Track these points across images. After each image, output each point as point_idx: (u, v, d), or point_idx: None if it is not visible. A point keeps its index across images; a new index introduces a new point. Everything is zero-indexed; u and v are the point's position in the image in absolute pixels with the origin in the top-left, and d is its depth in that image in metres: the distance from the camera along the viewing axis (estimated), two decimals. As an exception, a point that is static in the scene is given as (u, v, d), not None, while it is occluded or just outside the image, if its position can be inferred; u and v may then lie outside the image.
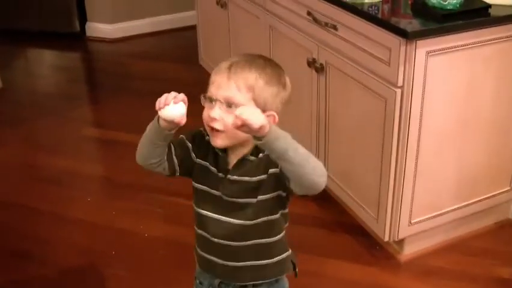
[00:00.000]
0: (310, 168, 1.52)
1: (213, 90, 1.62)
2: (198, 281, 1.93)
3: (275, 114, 1.65)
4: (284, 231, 1.83)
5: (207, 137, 1.72)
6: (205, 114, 1.64)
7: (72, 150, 3.85)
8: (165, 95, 1.58)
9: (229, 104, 1.58)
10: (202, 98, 1.64)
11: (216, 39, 4.06)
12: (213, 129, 1.63)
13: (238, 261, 1.78)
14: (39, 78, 5.09)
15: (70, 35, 5.56)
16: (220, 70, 1.63)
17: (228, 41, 3.86)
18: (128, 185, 3.42)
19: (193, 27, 4.65)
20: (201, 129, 1.75)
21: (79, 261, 2.87)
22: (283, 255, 1.84)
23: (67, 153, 3.80)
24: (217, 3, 3.83)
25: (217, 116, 1.60)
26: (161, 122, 1.63)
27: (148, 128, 1.69)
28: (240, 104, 1.57)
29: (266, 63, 1.66)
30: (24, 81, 4.97)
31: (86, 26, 5.63)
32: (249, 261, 1.78)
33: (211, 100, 1.61)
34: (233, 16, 3.74)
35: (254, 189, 1.68)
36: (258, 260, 1.79)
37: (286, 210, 1.80)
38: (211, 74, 1.67)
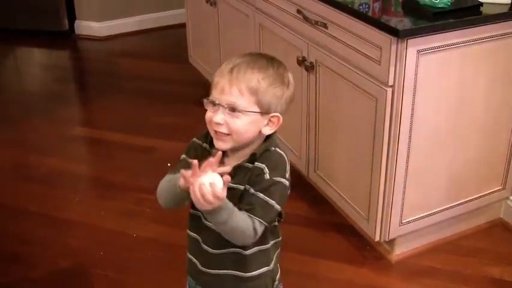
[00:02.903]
0: (230, 238, 1.62)
1: (216, 94, 1.60)
2: (190, 278, 1.91)
3: (279, 115, 1.65)
4: (268, 245, 1.77)
5: (204, 145, 1.72)
6: (208, 116, 1.62)
7: (60, 149, 3.82)
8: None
9: (233, 109, 1.58)
10: (204, 101, 1.62)
11: (206, 37, 4.03)
12: (217, 132, 1.62)
13: (218, 269, 1.76)
14: (28, 76, 5.06)
15: (58, 33, 5.53)
16: (222, 73, 1.61)
17: (217, 40, 3.83)
18: (117, 185, 3.40)
19: (182, 25, 4.61)
20: (194, 139, 1.74)
21: (67, 262, 2.84)
22: (262, 270, 1.78)
23: (55, 153, 3.77)
24: (207, 1, 3.80)
25: (221, 121, 1.59)
26: (182, 184, 1.59)
27: (167, 183, 1.68)
28: (243, 108, 1.58)
29: (269, 64, 1.64)
30: (12, 80, 4.93)
31: (75, 24, 5.60)
32: (227, 270, 1.75)
33: (214, 104, 1.60)
34: (223, 14, 3.71)
35: (239, 197, 1.66)
36: (236, 271, 1.75)
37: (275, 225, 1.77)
38: (214, 74, 1.65)
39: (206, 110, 1.63)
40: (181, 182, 1.57)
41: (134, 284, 2.72)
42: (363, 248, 2.90)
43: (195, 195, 1.48)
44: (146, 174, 3.41)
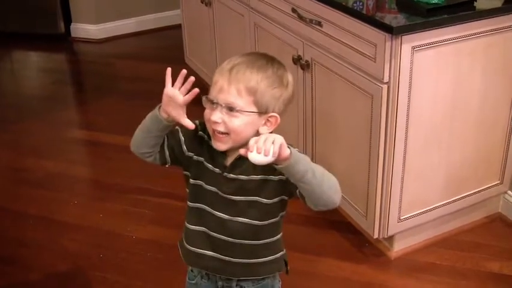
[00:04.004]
0: (327, 188, 1.57)
1: (214, 93, 1.62)
2: (190, 269, 1.93)
3: (277, 116, 1.66)
4: (279, 235, 1.84)
5: (200, 133, 1.73)
6: (206, 114, 1.64)
7: (58, 152, 3.82)
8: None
9: (230, 108, 1.59)
10: (204, 99, 1.63)
11: (201, 37, 4.03)
12: (214, 131, 1.63)
13: (232, 257, 1.77)
14: (25, 80, 5.05)
15: (54, 36, 5.52)
16: (222, 71, 1.62)
17: (213, 40, 3.83)
18: (115, 187, 3.40)
19: (178, 26, 4.62)
20: (197, 121, 1.74)
21: (65, 265, 2.84)
22: (277, 255, 1.84)
23: (53, 156, 3.76)
24: (202, 1, 3.80)
25: (218, 119, 1.60)
26: (162, 113, 1.64)
27: (148, 116, 1.69)
28: (240, 108, 1.59)
29: (268, 64, 1.65)
30: (9, 83, 4.94)
31: (71, 27, 5.59)
32: (243, 258, 1.78)
33: (212, 102, 1.61)
34: (218, 14, 3.71)
35: (252, 189, 1.68)
36: (253, 259, 1.79)
37: (285, 212, 1.80)
38: (215, 72, 1.65)
39: (204, 109, 1.65)
40: (163, 113, 1.63)
41: (134, 286, 2.72)
42: (362, 245, 2.90)
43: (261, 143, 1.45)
44: (144, 176, 3.40)
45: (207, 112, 1.63)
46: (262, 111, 1.62)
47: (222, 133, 1.62)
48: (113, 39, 5.56)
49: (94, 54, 5.36)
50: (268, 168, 1.57)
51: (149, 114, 1.68)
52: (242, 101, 1.59)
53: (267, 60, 1.66)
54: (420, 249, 2.86)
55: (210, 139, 1.69)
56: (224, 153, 1.70)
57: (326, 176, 1.57)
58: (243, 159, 1.64)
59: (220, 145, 1.65)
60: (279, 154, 1.45)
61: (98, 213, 3.18)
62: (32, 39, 5.48)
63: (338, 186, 1.60)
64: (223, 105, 1.59)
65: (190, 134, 1.73)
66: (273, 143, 1.44)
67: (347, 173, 2.78)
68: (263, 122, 1.65)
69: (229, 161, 1.70)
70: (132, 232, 3.03)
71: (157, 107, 1.66)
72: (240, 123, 1.60)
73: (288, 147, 1.48)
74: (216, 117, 1.60)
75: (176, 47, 4.75)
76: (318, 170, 1.55)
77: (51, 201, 3.31)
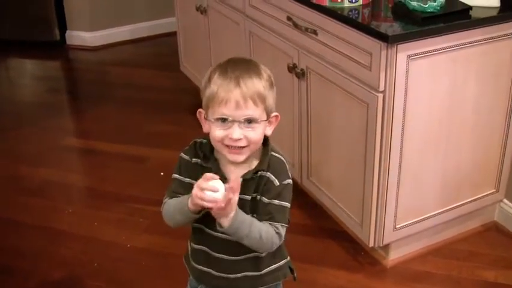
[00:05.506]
0: (258, 248, 1.68)
1: (227, 110, 1.58)
2: (191, 277, 1.93)
3: (278, 114, 1.69)
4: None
5: (194, 160, 1.72)
6: (218, 134, 1.61)
7: (53, 160, 3.81)
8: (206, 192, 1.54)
9: (250, 121, 1.60)
10: (212, 120, 1.61)
11: (197, 45, 4.03)
12: (229, 146, 1.62)
13: (237, 273, 1.78)
14: (20, 87, 5.05)
15: (50, 43, 5.53)
16: (228, 87, 1.58)
17: (208, 48, 3.83)
18: (110, 195, 3.39)
19: (173, 34, 4.62)
20: (182, 155, 1.74)
21: (61, 273, 2.83)
22: (282, 263, 1.86)
23: (47, 164, 3.75)
24: (197, 9, 3.80)
25: (240, 136, 1.59)
26: (190, 206, 1.60)
27: (177, 208, 1.67)
28: (260, 118, 1.61)
29: (259, 68, 1.66)
30: (4, 91, 4.93)
31: (66, 35, 5.59)
32: (247, 272, 1.79)
33: (224, 120, 1.59)
34: (213, 22, 3.71)
35: (249, 206, 1.68)
36: (257, 271, 1.80)
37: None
38: (214, 90, 1.60)
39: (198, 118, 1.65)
40: (190, 203, 1.59)
41: (129, 295, 2.72)
42: (358, 254, 2.90)
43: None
44: (139, 184, 3.40)
45: (218, 132, 1.60)
46: (268, 115, 1.65)
47: (241, 147, 1.62)
48: (109, 46, 5.57)
49: (89, 61, 5.36)
50: (260, 186, 1.65)
51: (178, 206, 1.66)
52: (258, 111, 1.60)
53: (255, 64, 1.68)
54: (416, 258, 2.86)
55: (205, 161, 1.70)
56: (223, 175, 1.67)
57: (261, 241, 1.64)
58: (246, 180, 1.66)
59: (238, 157, 1.64)
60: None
61: (93, 222, 3.17)
62: (27, 47, 5.48)
63: (273, 243, 1.67)
64: (242, 120, 1.58)
65: (188, 170, 1.72)
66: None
67: (342, 181, 2.78)
68: (267, 124, 1.66)
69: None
70: (127, 241, 3.02)
71: (186, 202, 1.61)
72: (258, 132, 1.62)
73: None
74: (238, 134, 1.59)
75: (171, 55, 4.75)
76: (254, 234, 1.61)
77: (46, 209, 3.30)
